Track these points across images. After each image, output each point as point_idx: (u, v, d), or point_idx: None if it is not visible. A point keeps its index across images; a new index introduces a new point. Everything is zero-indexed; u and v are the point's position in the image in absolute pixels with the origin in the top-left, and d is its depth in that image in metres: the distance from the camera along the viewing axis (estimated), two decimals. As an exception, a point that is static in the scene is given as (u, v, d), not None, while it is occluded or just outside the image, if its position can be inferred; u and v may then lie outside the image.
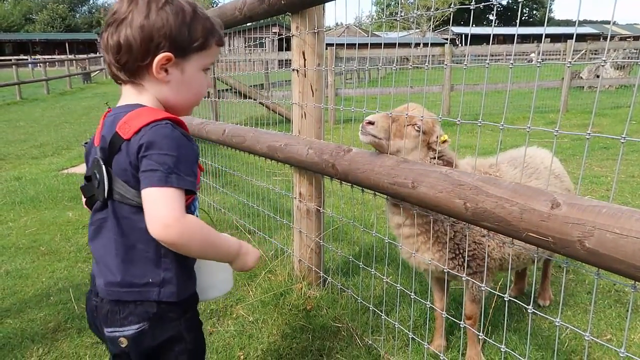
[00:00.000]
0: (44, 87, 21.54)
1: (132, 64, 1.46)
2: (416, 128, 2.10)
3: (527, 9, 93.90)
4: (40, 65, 26.05)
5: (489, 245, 2.21)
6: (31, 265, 3.62)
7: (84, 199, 1.60)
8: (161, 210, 1.36)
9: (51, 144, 9.07)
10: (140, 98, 1.52)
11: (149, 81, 1.50)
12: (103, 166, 1.47)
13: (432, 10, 1.89)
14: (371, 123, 2.06)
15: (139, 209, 1.44)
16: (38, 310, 2.98)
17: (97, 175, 1.49)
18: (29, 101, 18.12)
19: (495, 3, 1.67)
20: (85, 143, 1.72)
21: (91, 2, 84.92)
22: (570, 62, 1.44)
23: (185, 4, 1.47)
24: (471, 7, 1.69)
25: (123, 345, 1.55)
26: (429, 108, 2.26)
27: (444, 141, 2.12)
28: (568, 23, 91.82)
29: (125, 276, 1.51)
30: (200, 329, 1.62)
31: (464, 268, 2.19)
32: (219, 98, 5.88)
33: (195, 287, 1.61)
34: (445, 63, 11.59)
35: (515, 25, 75.97)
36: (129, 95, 1.53)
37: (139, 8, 1.43)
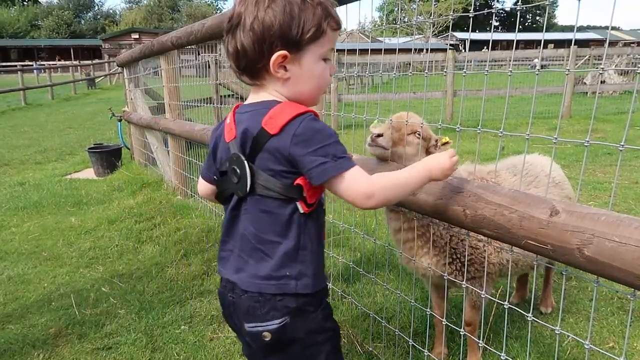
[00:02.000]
0: (48, 92, 21.64)
1: (251, 67, 1.50)
2: (417, 135, 2.14)
3: (531, 14, 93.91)
4: (45, 71, 26.18)
5: (484, 250, 2.22)
6: (33, 270, 3.62)
7: (206, 193, 1.72)
8: (352, 191, 1.46)
9: (55, 149, 9.10)
10: (266, 95, 1.55)
11: (270, 80, 1.52)
12: (245, 161, 1.51)
13: (431, 17, 1.89)
14: (380, 135, 2.09)
15: (281, 201, 1.52)
16: (39, 316, 2.99)
17: (238, 171, 1.54)
18: (33, 107, 18.20)
19: (494, 10, 1.67)
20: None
21: (96, 8, 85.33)
22: (568, 69, 1.44)
23: None
24: (470, 15, 1.69)
25: (267, 339, 1.61)
26: (432, 113, 2.28)
27: (445, 143, 2.14)
28: (572, 29, 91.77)
29: (263, 270, 1.56)
30: (332, 314, 1.68)
31: (462, 273, 2.19)
32: (222, 104, 5.89)
33: (325, 279, 1.65)
34: (445, 69, 11.59)
35: (519, 31, 75.90)
36: (256, 92, 1.57)
37: (248, 10, 1.45)
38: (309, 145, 1.44)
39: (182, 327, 2.82)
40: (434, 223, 2.15)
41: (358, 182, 1.46)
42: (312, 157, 1.45)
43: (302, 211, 1.55)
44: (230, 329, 1.85)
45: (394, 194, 1.52)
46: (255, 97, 1.57)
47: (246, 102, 1.60)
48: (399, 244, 2.28)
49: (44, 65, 31.74)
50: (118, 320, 2.91)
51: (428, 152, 2.18)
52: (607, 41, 1.36)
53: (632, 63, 15.97)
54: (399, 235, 2.25)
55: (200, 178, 1.76)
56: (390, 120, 2.15)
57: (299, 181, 1.49)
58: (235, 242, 1.62)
